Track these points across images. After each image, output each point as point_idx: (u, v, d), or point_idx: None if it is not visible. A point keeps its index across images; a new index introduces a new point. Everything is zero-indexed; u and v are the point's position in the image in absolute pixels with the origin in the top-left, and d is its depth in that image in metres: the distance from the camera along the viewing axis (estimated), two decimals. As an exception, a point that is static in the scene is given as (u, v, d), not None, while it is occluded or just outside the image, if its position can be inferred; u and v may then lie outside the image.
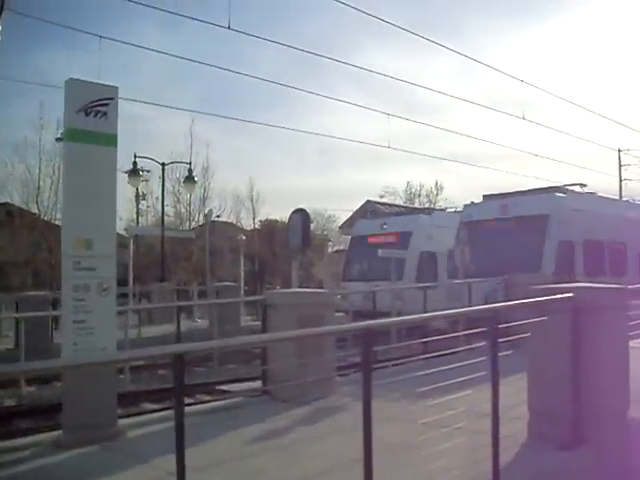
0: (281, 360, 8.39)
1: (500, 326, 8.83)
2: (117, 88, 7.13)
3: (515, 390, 6.43)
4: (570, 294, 6.11)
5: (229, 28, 15.20)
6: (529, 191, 21.64)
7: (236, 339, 3.66)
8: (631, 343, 7.75)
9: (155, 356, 4.38)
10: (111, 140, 7.01)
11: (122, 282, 28.28)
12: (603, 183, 48.79)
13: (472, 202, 22.41)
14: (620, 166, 42.92)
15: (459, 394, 6.95)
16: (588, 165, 54.46)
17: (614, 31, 73.09)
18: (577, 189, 22.06)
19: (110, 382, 6.78)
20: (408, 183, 57.52)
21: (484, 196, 22.57)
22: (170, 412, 7.87)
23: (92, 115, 6.80)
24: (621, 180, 42.80)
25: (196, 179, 33.15)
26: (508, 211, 20.12)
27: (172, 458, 3.95)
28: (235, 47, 55.09)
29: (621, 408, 6.48)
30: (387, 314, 13.71)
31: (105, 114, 6.90)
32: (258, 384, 9.47)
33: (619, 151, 42.23)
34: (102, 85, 7.06)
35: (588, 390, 6.12)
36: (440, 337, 11.91)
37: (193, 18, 16.58)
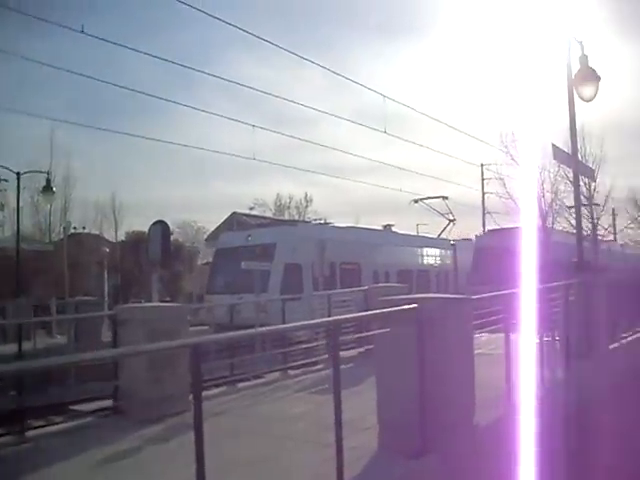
0: (132, 377, 8.12)
1: (357, 336, 8.95)
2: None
3: (370, 399, 6.48)
4: (414, 305, 6.19)
5: (82, 32, 14.69)
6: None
7: (42, 360, 3.42)
8: (480, 350, 8.02)
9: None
10: None
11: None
12: (466, 196, 50.65)
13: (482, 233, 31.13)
14: (483, 180, 44.63)
15: (308, 406, 6.96)
16: (451, 178, 56.35)
17: (476, 53, 76.28)
18: None
19: None
20: (278, 195, 57.79)
21: (488, 230, 31.51)
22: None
23: None
24: (484, 194, 44.53)
25: (55, 189, 31.92)
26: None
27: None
28: (106, 56, 53.39)
29: (467, 416, 6.64)
30: (252, 327, 13.57)
31: None
32: (110, 403, 9.09)
33: (482, 166, 43.95)
34: None
35: (435, 399, 6.20)
36: (286, 350, 11.98)
37: (46, 20, 15.84)
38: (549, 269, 10.34)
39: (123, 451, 6.85)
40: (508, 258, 9.25)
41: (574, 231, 32.99)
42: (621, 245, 48.81)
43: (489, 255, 27.25)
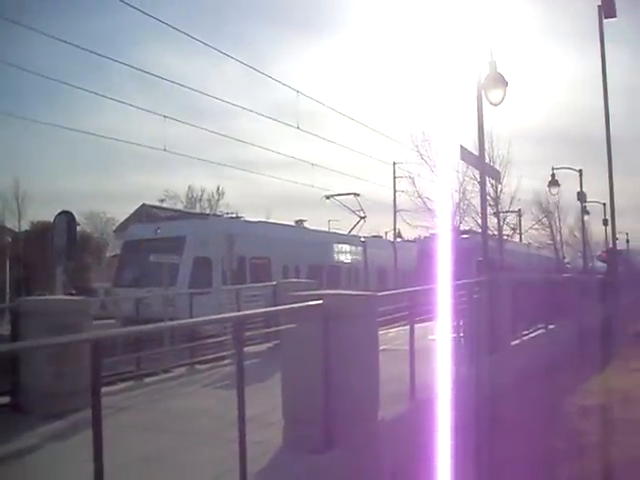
0: (32, 372, 7.89)
1: (264, 331, 8.94)
2: None
3: (277, 395, 6.49)
4: (320, 301, 6.23)
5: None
6: None
7: None
8: (386, 346, 8.15)
9: None
10: None
11: None
12: (377, 194, 51.47)
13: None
14: (395, 178, 45.23)
15: (215, 401, 6.92)
16: (363, 176, 57.08)
17: (390, 52, 77.39)
18: None
19: None
20: (189, 187, 57.15)
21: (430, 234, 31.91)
22: None
23: None
24: (395, 192, 45.16)
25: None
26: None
27: None
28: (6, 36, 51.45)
29: (371, 411, 6.72)
30: (160, 321, 13.39)
31: None
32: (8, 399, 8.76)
33: (394, 164, 44.53)
34: None
35: (340, 395, 6.27)
36: (194, 344, 11.90)
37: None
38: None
39: (19, 449, 6.63)
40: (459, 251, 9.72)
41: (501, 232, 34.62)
42: (537, 247, 50.72)
43: (430, 256, 28.10)
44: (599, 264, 42.78)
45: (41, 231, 44.18)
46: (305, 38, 74.52)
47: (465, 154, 13.57)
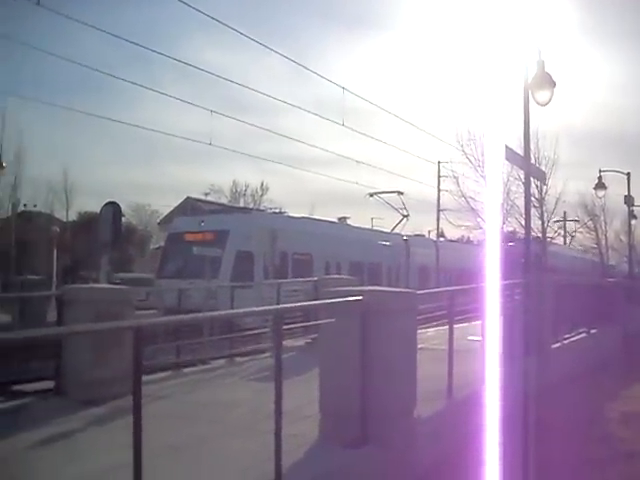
0: (75, 358, 8.05)
1: (304, 325, 8.98)
2: None
3: (314, 388, 6.53)
4: (360, 297, 6.24)
5: (38, 4, 14.46)
6: None
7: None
8: (424, 345, 8.12)
9: None
10: None
11: None
12: (421, 193, 51.25)
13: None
14: (439, 177, 45.02)
15: (252, 393, 6.96)
16: (407, 174, 56.96)
17: (437, 50, 76.84)
18: None
19: None
20: (234, 182, 57.47)
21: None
22: None
23: None
24: (439, 191, 44.94)
25: (5, 165, 31.25)
26: None
27: None
28: (60, 31, 52.36)
29: (408, 407, 6.73)
30: (200, 312, 13.55)
31: None
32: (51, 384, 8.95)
33: (439, 163, 44.31)
34: None
35: (377, 390, 6.29)
36: (234, 336, 11.99)
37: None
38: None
39: (59, 433, 6.77)
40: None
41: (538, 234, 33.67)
42: (588, 252, 50.19)
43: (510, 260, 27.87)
44: (645, 270, 42.04)
45: (87, 221, 44.95)
46: (352, 34, 74.17)
47: (510, 154, 13.41)
